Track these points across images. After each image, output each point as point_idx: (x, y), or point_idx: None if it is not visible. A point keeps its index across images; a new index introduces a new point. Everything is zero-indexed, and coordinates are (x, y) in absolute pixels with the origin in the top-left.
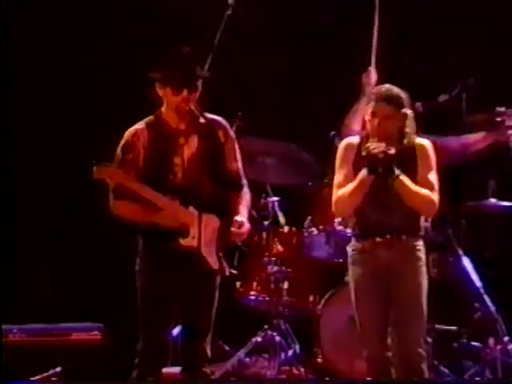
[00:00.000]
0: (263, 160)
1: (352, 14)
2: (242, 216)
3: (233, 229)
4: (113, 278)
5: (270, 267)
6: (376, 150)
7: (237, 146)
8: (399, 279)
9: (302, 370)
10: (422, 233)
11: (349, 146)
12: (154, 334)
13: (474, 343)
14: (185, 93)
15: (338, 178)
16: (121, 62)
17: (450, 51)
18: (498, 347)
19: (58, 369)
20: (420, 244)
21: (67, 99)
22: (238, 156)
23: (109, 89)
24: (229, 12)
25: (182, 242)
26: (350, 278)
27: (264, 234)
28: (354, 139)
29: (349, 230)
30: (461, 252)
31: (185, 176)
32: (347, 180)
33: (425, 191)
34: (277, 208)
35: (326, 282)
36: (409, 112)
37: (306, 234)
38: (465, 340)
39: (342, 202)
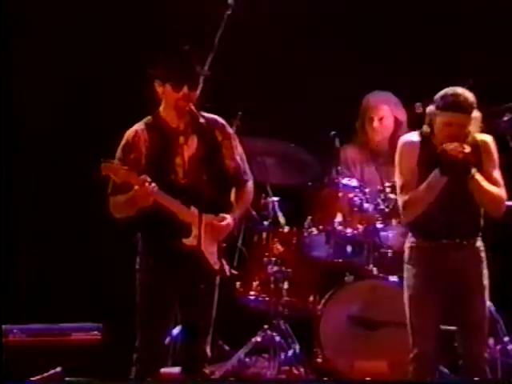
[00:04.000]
0: (263, 160)
1: (352, 14)
2: (231, 213)
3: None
4: (112, 278)
5: (269, 267)
6: (454, 152)
7: (236, 143)
8: (466, 282)
9: (302, 370)
10: (481, 232)
11: (410, 146)
12: (152, 333)
13: None
14: (185, 89)
15: (403, 179)
16: (121, 62)
17: (450, 51)
18: (498, 347)
19: (58, 369)
20: (481, 244)
21: (67, 98)
22: (238, 153)
23: (109, 88)
24: (229, 12)
25: (185, 241)
26: (409, 274)
27: (264, 234)
28: (413, 137)
29: (349, 230)
30: None
31: (186, 176)
32: (414, 180)
33: (496, 189)
34: (277, 208)
35: (326, 281)
36: (478, 115)
37: (305, 234)
38: None
39: (414, 204)
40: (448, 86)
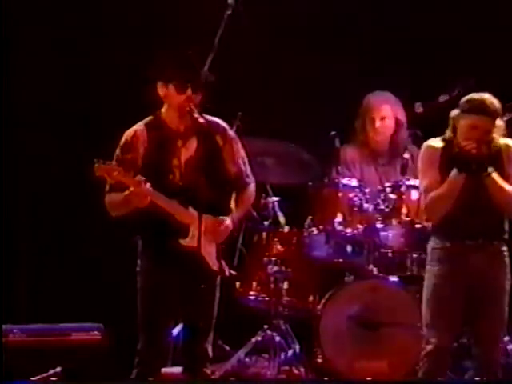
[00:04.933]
0: (263, 160)
1: (352, 14)
2: (231, 215)
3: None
4: (113, 278)
5: (269, 267)
6: (469, 147)
7: (238, 147)
8: (487, 284)
9: (302, 370)
10: (507, 237)
11: (433, 149)
12: (154, 334)
13: None
14: (189, 92)
15: (426, 181)
16: (120, 62)
17: (450, 51)
18: None
19: (58, 369)
20: (506, 249)
21: (66, 99)
22: (240, 156)
23: (109, 89)
24: (229, 12)
25: (182, 242)
26: (431, 273)
27: (264, 234)
28: (436, 142)
29: (349, 230)
30: None
31: (183, 177)
32: (436, 183)
33: None
34: (277, 208)
35: (326, 282)
36: (501, 124)
37: (305, 234)
38: (465, 340)
39: (435, 205)
40: (448, 86)
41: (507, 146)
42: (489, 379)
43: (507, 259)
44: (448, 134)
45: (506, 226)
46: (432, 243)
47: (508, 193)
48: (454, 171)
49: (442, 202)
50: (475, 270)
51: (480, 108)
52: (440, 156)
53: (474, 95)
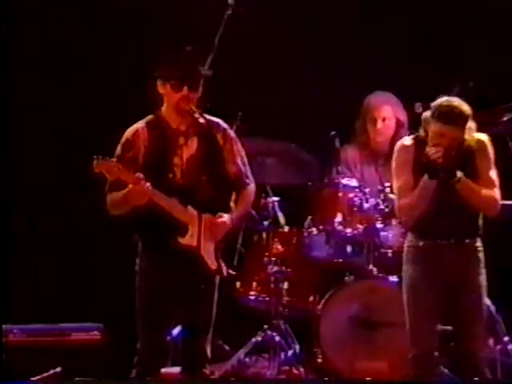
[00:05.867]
0: (263, 160)
1: (352, 13)
2: (229, 214)
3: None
4: (112, 278)
5: (270, 267)
6: (436, 155)
7: (238, 147)
8: (462, 282)
9: (302, 370)
10: (481, 232)
11: (405, 150)
12: (153, 334)
13: None
14: (185, 90)
15: (399, 183)
16: (120, 62)
17: (450, 51)
18: (498, 347)
19: (58, 369)
20: (480, 245)
21: (66, 99)
22: (240, 156)
23: (109, 88)
24: (229, 12)
25: (181, 240)
26: (406, 274)
27: (264, 234)
28: (408, 141)
29: (349, 230)
30: None
31: (183, 176)
32: (408, 184)
33: (487, 191)
34: (277, 208)
35: (326, 282)
36: (472, 124)
37: (305, 234)
38: None
39: (407, 210)
40: (448, 86)
41: (480, 141)
42: (487, 379)
43: (481, 254)
44: (420, 133)
45: (480, 222)
46: (407, 240)
47: (479, 195)
48: (425, 177)
49: (415, 208)
50: (449, 270)
51: (447, 117)
52: (413, 156)
53: (444, 102)
